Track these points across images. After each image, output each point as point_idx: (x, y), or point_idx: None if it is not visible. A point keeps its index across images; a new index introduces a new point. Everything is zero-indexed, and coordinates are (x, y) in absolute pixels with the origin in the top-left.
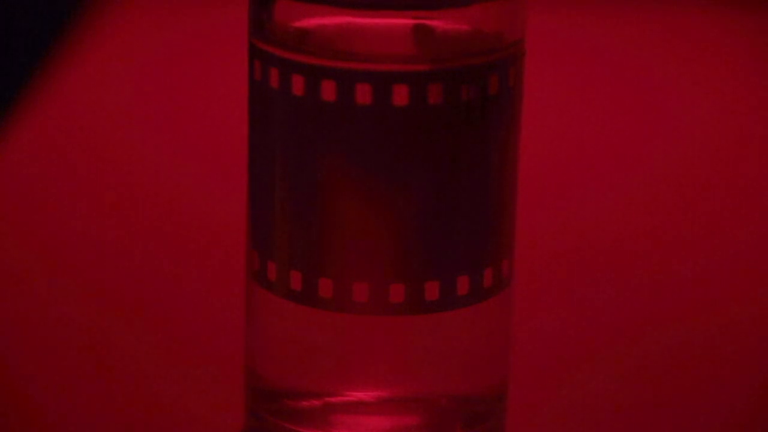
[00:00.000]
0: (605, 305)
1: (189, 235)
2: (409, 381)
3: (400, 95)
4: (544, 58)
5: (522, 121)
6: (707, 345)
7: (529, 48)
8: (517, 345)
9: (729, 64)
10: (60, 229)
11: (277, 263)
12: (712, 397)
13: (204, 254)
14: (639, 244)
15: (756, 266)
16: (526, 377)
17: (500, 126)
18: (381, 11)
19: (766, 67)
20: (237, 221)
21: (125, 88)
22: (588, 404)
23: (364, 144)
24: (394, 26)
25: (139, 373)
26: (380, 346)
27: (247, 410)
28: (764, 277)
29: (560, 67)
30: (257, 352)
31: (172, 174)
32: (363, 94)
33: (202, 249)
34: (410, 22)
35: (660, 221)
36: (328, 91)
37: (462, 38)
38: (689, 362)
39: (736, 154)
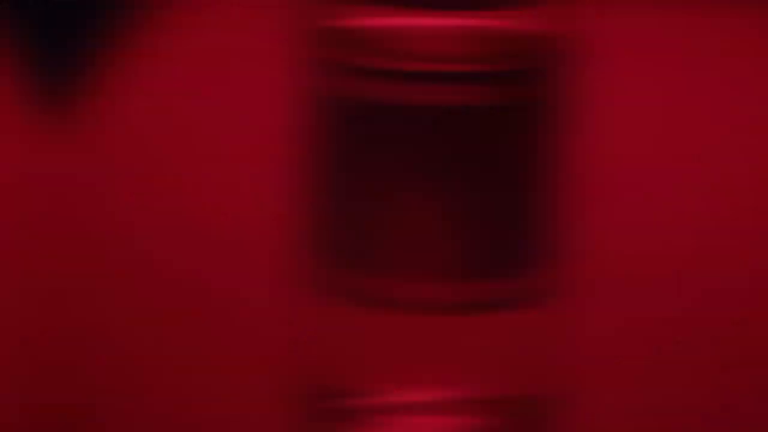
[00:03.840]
0: (678, 315)
1: (219, 238)
2: (464, 381)
3: (452, 95)
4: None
5: (584, 123)
6: None
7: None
8: (582, 349)
9: None
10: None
11: (331, 264)
12: None
13: (233, 258)
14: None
15: None
16: (589, 381)
17: (550, 128)
18: (433, 11)
19: None
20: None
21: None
22: (653, 409)
23: (419, 145)
24: (445, 27)
25: (176, 384)
26: (432, 346)
27: (294, 413)
28: None
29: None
30: (310, 354)
31: (204, 187)
32: (417, 94)
33: (230, 252)
34: (461, 22)
35: (740, 226)
36: (383, 91)
37: (511, 39)
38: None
39: None
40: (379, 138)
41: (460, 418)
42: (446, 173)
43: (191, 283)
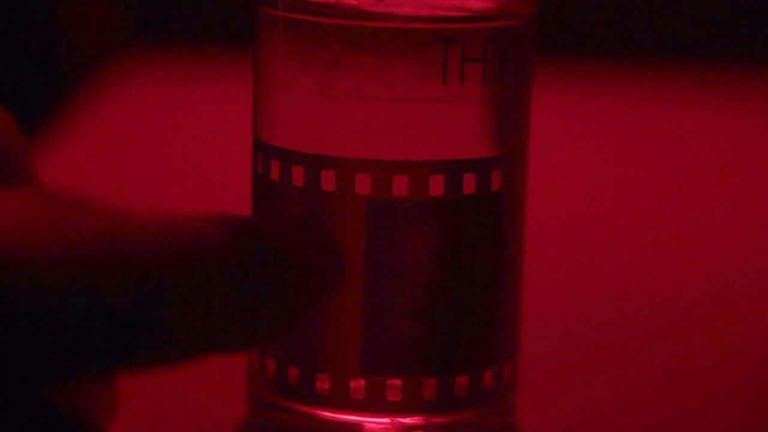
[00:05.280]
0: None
1: None
2: None
3: (400, 187)
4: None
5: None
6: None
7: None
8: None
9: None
10: None
11: (276, 360)
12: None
13: None
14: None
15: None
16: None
17: (504, 222)
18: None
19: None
20: None
21: (124, 159)
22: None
23: (363, 236)
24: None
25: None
26: None
27: (249, 398)
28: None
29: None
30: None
31: None
32: (362, 185)
33: None
34: None
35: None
36: (329, 181)
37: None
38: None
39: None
40: (328, 229)
41: None
42: (392, 267)
43: None
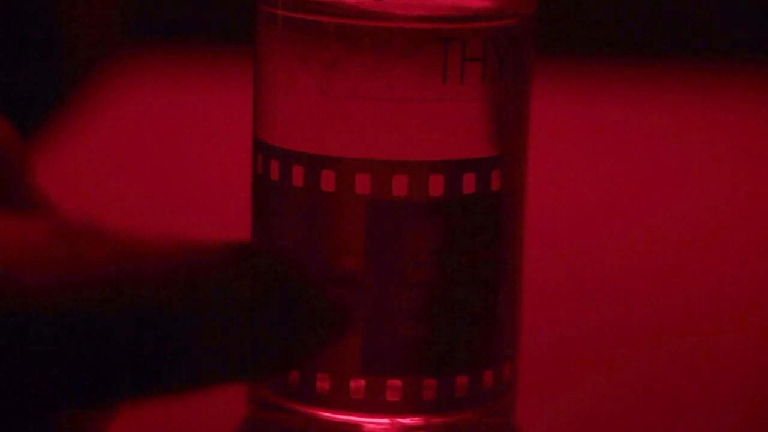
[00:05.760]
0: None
1: None
2: None
3: (399, 187)
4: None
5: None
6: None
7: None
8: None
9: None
10: None
11: None
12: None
13: None
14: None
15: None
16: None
17: (504, 222)
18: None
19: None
20: None
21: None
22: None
23: (363, 236)
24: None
25: None
26: None
27: (249, 398)
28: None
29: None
30: None
31: None
32: (362, 185)
33: None
34: None
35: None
36: (329, 181)
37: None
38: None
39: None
40: (329, 228)
41: None
42: (395, 267)
43: None
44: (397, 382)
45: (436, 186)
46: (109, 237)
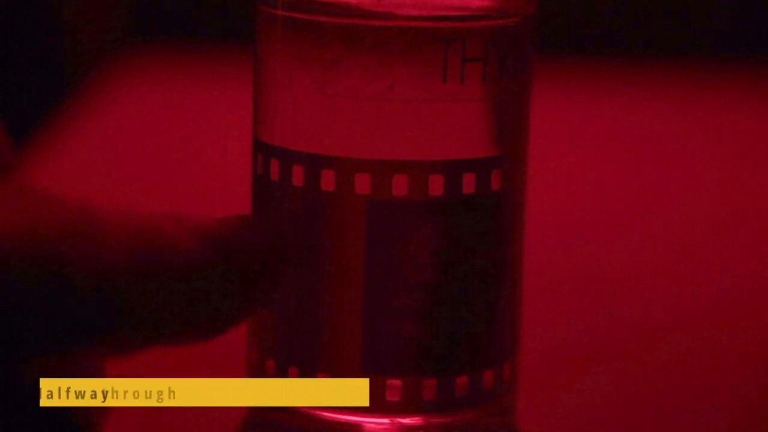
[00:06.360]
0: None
1: None
2: None
3: (399, 187)
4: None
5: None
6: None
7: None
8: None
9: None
10: None
11: (276, 360)
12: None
13: None
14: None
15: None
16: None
17: (504, 222)
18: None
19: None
20: None
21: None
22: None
23: (363, 236)
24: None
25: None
26: None
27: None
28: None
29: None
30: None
31: None
32: (362, 185)
33: None
34: None
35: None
36: (328, 181)
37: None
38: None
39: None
40: (329, 228)
41: None
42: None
43: None
44: (397, 382)
45: (436, 186)
46: (68, 205)
